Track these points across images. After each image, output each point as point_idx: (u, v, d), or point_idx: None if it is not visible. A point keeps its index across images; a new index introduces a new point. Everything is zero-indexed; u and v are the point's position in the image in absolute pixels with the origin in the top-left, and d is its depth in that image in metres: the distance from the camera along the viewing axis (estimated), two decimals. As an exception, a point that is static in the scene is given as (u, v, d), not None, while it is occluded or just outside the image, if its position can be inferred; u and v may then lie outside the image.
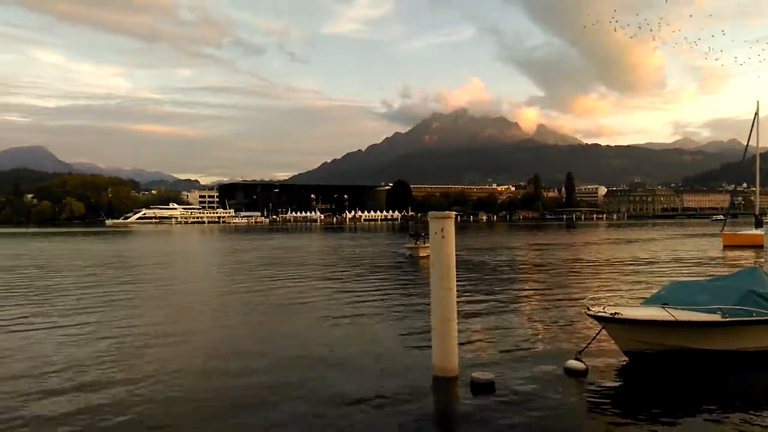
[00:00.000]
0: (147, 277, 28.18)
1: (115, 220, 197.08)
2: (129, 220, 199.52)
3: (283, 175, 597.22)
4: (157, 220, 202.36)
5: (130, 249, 56.64)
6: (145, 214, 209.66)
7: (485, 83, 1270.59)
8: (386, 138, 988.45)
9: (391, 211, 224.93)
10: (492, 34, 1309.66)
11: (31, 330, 14.78)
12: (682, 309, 10.81)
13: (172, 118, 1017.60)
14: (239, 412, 8.44)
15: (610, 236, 73.21)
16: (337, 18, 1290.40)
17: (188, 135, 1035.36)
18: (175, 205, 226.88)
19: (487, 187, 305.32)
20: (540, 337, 13.24)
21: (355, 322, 15.31)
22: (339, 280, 25.88)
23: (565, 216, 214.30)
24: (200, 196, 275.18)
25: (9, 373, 10.66)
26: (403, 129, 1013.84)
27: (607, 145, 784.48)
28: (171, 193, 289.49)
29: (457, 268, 10.35)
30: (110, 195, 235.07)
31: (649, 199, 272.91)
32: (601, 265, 31.63)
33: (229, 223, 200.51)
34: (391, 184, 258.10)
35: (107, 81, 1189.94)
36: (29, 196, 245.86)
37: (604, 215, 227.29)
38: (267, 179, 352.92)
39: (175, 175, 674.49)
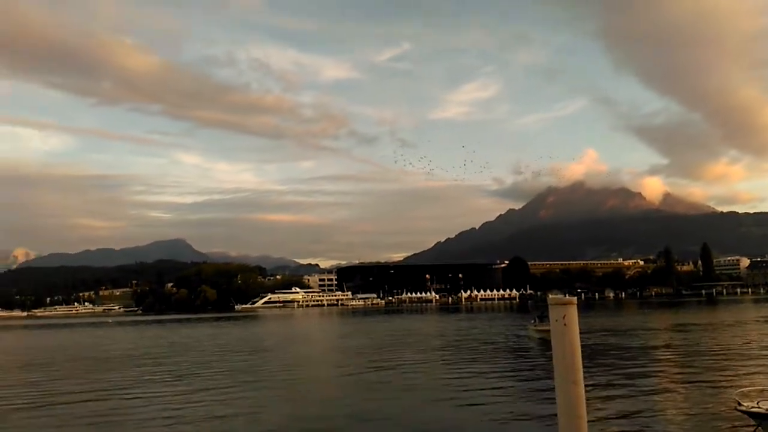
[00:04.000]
0: (271, 363, 29.21)
1: (244, 305, 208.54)
2: (256, 305, 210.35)
3: (398, 256, 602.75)
4: (281, 304, 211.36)
5: (255, 333, 59.39)
6: (270, 298, 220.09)
7: (601, 154, 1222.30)
8: (500, 215, 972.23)
9: (508, 290, 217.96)
10: (605, 104, 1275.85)
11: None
12: None
13: (294, 207, 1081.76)
14: None
15: (761, 314, 65.20)
16: (444, 104, 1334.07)
17: (309, 221, 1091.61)
18: (297, 289, 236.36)
19: (613, 261, 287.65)
20: (685, 435, 11.83)
21: (481, 419, 14.67)
22: (461, 366, 25.14)
23: (704, 291, 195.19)
24: (320, 280, 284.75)
25: None
26: (517, 205, 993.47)
27: (746, 213, 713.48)
28: (293, 277, 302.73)
29: (583, 355, 9.68)
30: (239, 281, 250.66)
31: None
32: (754, 349, 28.09)
33: (347, 305, 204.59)
34: (507, 262, 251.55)
35: (238, 176, 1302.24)
36: (169, 284, 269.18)
37: (749, 289, 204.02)
38: (383, 261, 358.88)
39: (297, 260, 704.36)
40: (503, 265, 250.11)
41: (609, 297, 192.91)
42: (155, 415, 16.06)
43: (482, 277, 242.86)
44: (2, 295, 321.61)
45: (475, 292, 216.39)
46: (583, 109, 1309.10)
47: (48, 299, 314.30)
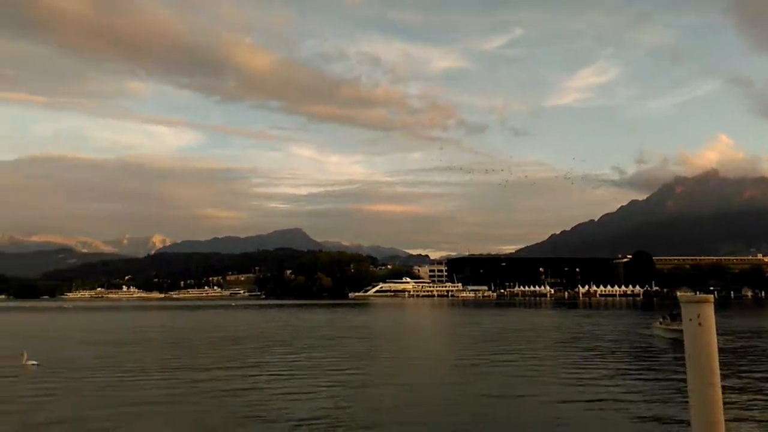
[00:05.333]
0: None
1: (357, 293, 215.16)
2: (368, 294, 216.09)
3: (509, 248, 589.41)
4: (392, 294, 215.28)
5: (376, 320, 61.04)
6: (381, 287, 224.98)
7: (737, 140, 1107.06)
8: (621, 207, 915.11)
9: (630, 286, 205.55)
10: (740, 86, 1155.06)
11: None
12: None
13: (404, 198, 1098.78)
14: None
15: None
16: (560, 90, 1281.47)
17: (418, 212, 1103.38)
18: (408, 279, 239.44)
19: (751, 258, 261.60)
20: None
21: (610, 421, 14.11)
22: (587, 364, 24.27)
23: None
24: (430, 271, 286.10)
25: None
26: (641, 196, 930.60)
27: None
28: (404, 267, 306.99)
29: (720, 357, 8.98)
30: (353, 270, 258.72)
31: None
32: None
33: (457, 297, 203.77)
34: (629, 256, 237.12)
35: (349, 168, 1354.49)
36: (288, 271, 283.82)
37: None
38: (493, 253, 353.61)
39: (407, 251, 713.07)
40: (625, 260, 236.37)
41: (747, 296, 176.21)
42: (285, 392, 17.12)
43: (602, 272, 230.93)
44: (143, 279, 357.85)
45: (594, 288, 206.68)
46: (714, 91, 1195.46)
47: (182, 283, 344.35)
